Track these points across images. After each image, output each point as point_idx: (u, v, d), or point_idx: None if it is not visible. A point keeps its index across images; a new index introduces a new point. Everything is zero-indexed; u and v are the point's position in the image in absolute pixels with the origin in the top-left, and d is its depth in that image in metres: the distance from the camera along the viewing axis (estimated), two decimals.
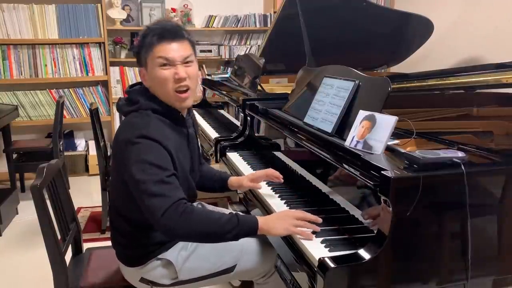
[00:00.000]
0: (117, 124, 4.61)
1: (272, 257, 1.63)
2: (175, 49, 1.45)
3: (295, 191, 1.75)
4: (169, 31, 1.45)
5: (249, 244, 1.62)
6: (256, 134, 2.38)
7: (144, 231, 1.52)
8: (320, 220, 1.41)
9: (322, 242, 1.32)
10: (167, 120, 1.47)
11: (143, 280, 1.57)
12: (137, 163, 1.36)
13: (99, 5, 4.28)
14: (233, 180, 1.80)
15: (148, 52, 1.45)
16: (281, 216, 1.44)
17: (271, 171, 1.75)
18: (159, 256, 1.54)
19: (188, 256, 1.55)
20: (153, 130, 1.41)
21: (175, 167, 1.44)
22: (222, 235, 1.37)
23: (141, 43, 1.47)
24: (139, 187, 1.35)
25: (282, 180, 1.74)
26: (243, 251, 1.59)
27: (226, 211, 1.61)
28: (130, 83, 4.88)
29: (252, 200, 1.81)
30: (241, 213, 1.43)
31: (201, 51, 4.53)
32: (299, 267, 1.31)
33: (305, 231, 1.36)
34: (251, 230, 1.40)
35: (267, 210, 1.66)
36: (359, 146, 1.40)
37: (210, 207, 1.75)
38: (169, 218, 1.33)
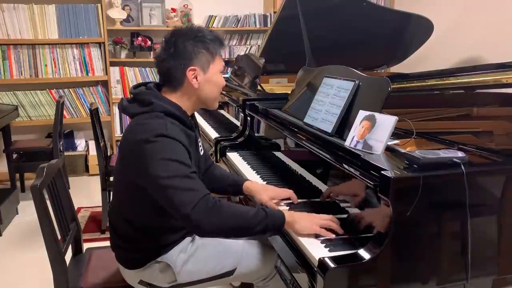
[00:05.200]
0: (117, 124, 4.61)
1: (272, 260, 1.63)
2: None
3: (295, 191, 1.74)
4: (224, 43, 1.58)
5: (249, 247, 1.61)
6: (256, 134, 2.38)
7: (146, 233, 1.51)
8: (341, 231, 1.36)
9: (322, 242, 1.32)
10: (178, 123, 1.47)
11: (142, 282, 1.56)
12: (159, 161, 1.34)
13: (99, 5, 4.28)
14: (249, 185, 1.72)
15: (213, 59, 1.52)
16: (307, 214, 1.43)
17: (291, 192, 1.65)
18: (158, 259, 1.53)
19: (187, 259, 1.54)
20: (170, 129, 1.40)
21: None
22: (251, 228, 1.35)
23: (204, 49, 1.49)
24: (163, 184, 1.32)
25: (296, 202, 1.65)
26: (243, 255, 1.59)
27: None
28: (130, 83, 4.90)
29: (252, 200, 1.81)
30: (264, 208, 1.41)
31: None
32: (299, 268, 1.31)
33: (327, 232, 1.34)
34: (279, 222, 1.38)
35: None
36: (359, 146, 1.40)
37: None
38: (200, 212, 1.30)
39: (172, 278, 1.54)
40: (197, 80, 1.50)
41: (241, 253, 1.59)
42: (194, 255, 1.55)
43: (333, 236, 1.33)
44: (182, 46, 1.48)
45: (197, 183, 1.37)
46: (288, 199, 1.64)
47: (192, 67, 1.48)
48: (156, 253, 1.53)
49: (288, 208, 1.59)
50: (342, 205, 1.50)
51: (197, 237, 1.60)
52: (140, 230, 1.51)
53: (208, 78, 1.52)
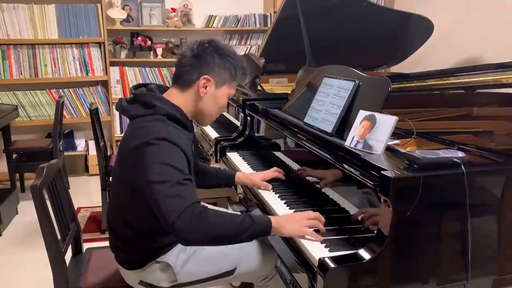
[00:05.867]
0: (117, 124, 4.61)
1: (272, 260, 1.63)
2: None
3: (295, 191, 1.75)
4: (246, 75, 1.64)
5: (249, 247, 1.61)
6: (256, 134, 2.38)
7: (145, 235, 1.51)
8: (323, 219, 1.40)
9: (322, 242, 1.32)
10: (179, 126, 1.47)
11: (142, 283, 1.56)
12: (155, 164, 1.33)
13: (99, 5, 4.28)
14: (241, 175, 1.84)
15: (230, 81, 1.56)
16: (293, 216, 1.42)
17: (275, 169, 1.85)
18: (158, 259, 1.53)
19: (187, 259, 1.54)
20: (172, 134, 1.40)
21: (190, 171, 1.43)
22: (237, 236, 1.33)
23: (228, 69, 1.53)
24: (154, 188, 1.31)
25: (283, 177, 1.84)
26: (243, 255, 1.59)
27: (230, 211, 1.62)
28: (130, 83, 4.90)
29: (252, 200, 1.81)
30: (251, 215, 1.39)
31: None
32: (299, 268, 1.31)
33: (314, 233, 1.35)
34: (265, 229, 1.36)
35: (267, 210, 1.66)
36: (359, 146, 1.40)
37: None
38: (185, 221, 1.27)
39: (172, 278, 1.54)
40: (205, 90, 1.51)
41: (241, 253, 1.59)
42: (193, 255, 1.55)
43: (321, 238, 1.33)
44: (212, 56, 1.51)
45: (187, 190, 1.33)
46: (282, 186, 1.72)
47: (207, 77, 1.50)
48: (156, 254, 1.53)
49: (288, 207, 1.59)
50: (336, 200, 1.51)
51: None
52: (139, 232, 1.51)
53: (217, 94, 1.54)
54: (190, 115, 1.55)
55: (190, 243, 1.38)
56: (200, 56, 1.50)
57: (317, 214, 1.40)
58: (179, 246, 1.55)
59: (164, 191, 1.30)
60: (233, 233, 1.33)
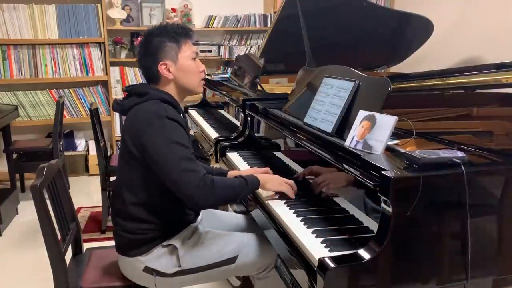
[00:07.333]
0: (117, 124, 4.61)
1: (272, 252, 1.66)
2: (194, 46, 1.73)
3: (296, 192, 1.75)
4: (191, 31, 1.69)
5: (249, 238, 1.68)
6: (256, 134, 2.38)
7: (155, 214, 1.57)
8: (295, 188, 1.65)
9: (322, 242, 1.32)
10: (173, 109, 1.58)
11: (146, 269, 1.59)
12: (164, 143, 1.47)
13: (99, 5, 4.28)
14: (233, 173, 1.87)
15: (179, 47, 1.63)
16: (274, 177, 1.69)
17: (267, 169, 1.84)
18: (164, 243, 1.59)
19: (191, 244, 1.61)
20: (170, 112, 1.53)
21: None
22: (238, 196, 1.58)
23: (169, 41, 1.61)
24: (167, 167, 1.45)
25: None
26: (243, 244, 1.66)
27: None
28: (130, 83, 4.93)
29: (251, 200, 1.81)
30: (243, 176, 1.60)
31: (201, 51, 4.54)
32: (299, 268, 1.31)
33: (289, 191, 1.62)
34: (256, 186, 1.61)
35: (267, 210, 1.66)
36: (359, 146, 1.40)
37: None
38: (201, 192, 1.45)
39: (176, 263, 1.58)
40: (170, 72, 1.62)
41: (241, 242, 1.66)
42: (198, 240, 1.62)
43: (293, 196, 1.62)
44: (150, 43, 1.63)
45: (197, 164, 1.50)
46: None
47: (163, 62, 1.61)
48: (163, 236, 1.59)
49: (288, 207, 1.60)
50: (335, 199, 1.51)
51: (201, 224, 1.71)
52: (150, 210, 1.57)
53: (180, 67, 1.63)
54: (178, 97, 1.66)
55: (203, 208, 1.62)
56: (145, 50, 1.64)
57: (291, 181, 1.64)
58: (185, 232, 1.62)
59: (177, 167, 1.45)
60: (235, 194, 1.57)
